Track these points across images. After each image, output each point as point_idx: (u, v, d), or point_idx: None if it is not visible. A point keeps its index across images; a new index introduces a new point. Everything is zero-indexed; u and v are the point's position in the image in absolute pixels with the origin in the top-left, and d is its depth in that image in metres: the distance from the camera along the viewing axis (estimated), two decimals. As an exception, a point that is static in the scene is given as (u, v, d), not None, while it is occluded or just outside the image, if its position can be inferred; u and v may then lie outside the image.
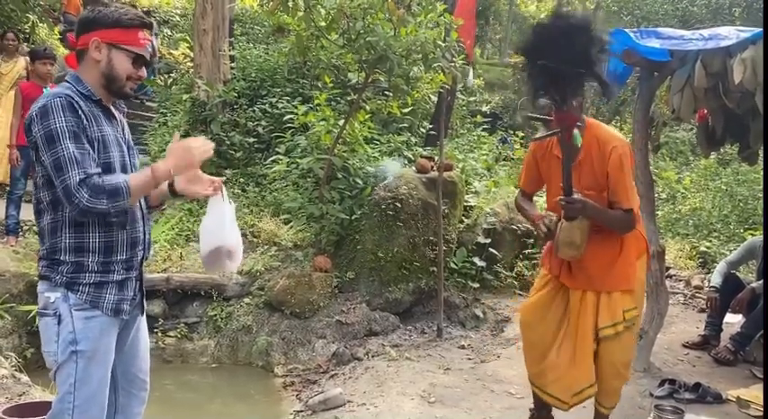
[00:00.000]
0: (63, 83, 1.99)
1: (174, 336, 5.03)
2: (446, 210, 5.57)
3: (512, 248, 6.33)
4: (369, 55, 5.31)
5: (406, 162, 6.39)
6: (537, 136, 2.90)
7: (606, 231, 2.74)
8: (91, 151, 1.89)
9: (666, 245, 6.18)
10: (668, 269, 6.77)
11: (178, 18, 13.01)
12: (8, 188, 5.61)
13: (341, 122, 5.97)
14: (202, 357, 5.03)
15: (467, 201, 6.33)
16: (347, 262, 5.58)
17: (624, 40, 3.98)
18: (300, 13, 5.27)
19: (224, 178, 2.21)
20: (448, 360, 4.59)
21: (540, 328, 2.91)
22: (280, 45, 8.68)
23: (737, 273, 4.95)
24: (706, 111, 4.60)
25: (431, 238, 5.51)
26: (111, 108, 2.07)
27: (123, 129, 2.12)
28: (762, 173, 7.31)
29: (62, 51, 8.34)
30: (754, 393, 3.73)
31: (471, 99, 12.09)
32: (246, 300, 5.22)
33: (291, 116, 6.56)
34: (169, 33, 12.19)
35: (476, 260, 5.87)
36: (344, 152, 6.06)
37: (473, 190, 6.73)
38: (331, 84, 6.84)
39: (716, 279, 4.77)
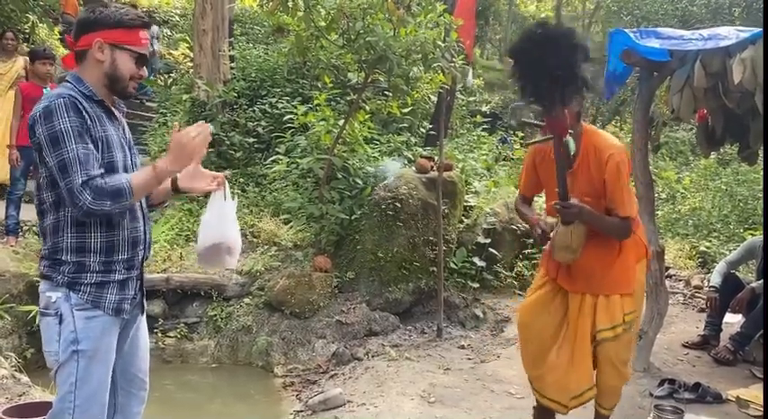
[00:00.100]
0: (64, 83, 1.99)
1: (173, 336, 5.03)
2: (446, 210, 5.58)
3: (512, 248, 6.34)
4: (368, 55, 5.31)
5: (406, 162, 6.39)
6: (530, 141, 2.91)
7: (604, 235, 2.74)
8: (95, 152, 1.90)
9: (666, 245, 6.19)
10: (668, 269, 6.78)
11: (178, 18, 13.02)
12: (8, 188, 5.61)
13: (341, 122, 5.97)
14: (202, 357, 5.03)
15: (467, 201, 6.33)
16: (347, 262, 5.58)
17: (624, 40, 3.98)
18: (300, 14, 5.28)
19: (227, 173, 2.21)
20: (448, 360, 4.59)
21: (537, 326, 2.90)
22: (279, 45, 8.68)
23: (737, 273, 4.96)
24: (706, 111, 4.60)
25: (431, 238, 5.51)
26: (112, 108, 2.07)
27: (124, 130, 2.13)
28: (761, 173, 7.31)
29: (62, 51, 8.33)
30: (753, 393, 3.73)
31: (471, 99, 12.10)
32: (246, 300, 5.22)
33: (291, 116, 6.56)
34: (169, 33, 12.19)
35: (476, 260, 5.87)
36: (344, 152, 6.06)
37: (473, 190, 6.73)
38: (331, 85, 6.85)
39: (715, 279, 4.77)
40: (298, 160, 6.18)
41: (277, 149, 6.59)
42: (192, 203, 6.07)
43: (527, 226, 3.02)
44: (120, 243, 2.00)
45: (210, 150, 6.39)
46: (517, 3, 20.35)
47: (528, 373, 2.99)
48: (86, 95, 1.96)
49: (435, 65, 5.52)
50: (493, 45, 21.26)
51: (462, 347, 4.93)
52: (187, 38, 10.55)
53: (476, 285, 5.83)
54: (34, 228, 5.60)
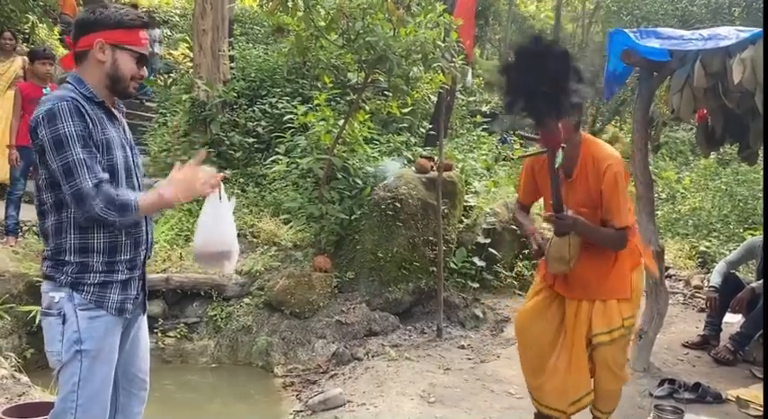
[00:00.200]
0: (65, 84, 2.00)
1: (173, 336, 5.03)
2: (446, 210, 5.58)
3: (511, 248, 6.34)
4: (368, 55, 5.31)
5: (406, 162, 6.39)
6: (524, 154, 2.92)
7: (599, 246, 2.74)
8: (98, 155, 1.91)
9: (666, 245, 6.19)
10: (668, 269, 6.78)
11: (177, 18, 13.02)
12: (8, 188, 5.61)
13: (340, 122, 5.97)
14: (202, 357, 5.03)
15: (466, 201, 6.33)
16: (347, 262, 5.58)
17: (624, 39, 3.98)
18: (300, 14, 5.28)
19: (223, 175, 2.21)
20: (448, 360, 4.59)
21: (534, 332, 2.91)
22: (279, 45, 8.69)
23: (737, 273, 4.96)
24: (705, 111, 4.60)
25: (430, 238, 5.51)
26: (113, 109, 2.08)
27: (124, 130, 2.14)
28: (761, 172, 7.31)
29: (61, 51, 8.34)
30: (753, 393, 3.74)
31: (471, 99, 12.10)
32: (246, 300, 5.22)
33: (291, 116, 6.56)
34: (169, 33, 12.19)
35: (475, 260, 5.87)
36: (344, 152, 6.06)
37: (473, 190, 6.73)
38: (330, 85, 6.85)
39: (715, 278, 4.77)
40: (297, 160, 6.17)
41: (277, 149, 6.59)
42: (191, 203, 6.06)
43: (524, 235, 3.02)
44: (122, 243, 2.02)
45: (210, 150, 6.39)
46: (517, 3, 20.34)
47: (527, 383, 3.00)
48: (87, 97, 1.97)
49: (435, 65, 5.52)
50: (493, 45, 21.26)
51: (462, 347, 4.93)
52: (187, 38, 10.55)
53: (476, 285, 5.83)
54: (34, 228, 5.60)
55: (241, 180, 6.64)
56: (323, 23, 5.37)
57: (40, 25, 9.51)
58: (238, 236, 2.33)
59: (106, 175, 1.90)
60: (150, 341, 2.31)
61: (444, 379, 4.13)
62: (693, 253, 7.54)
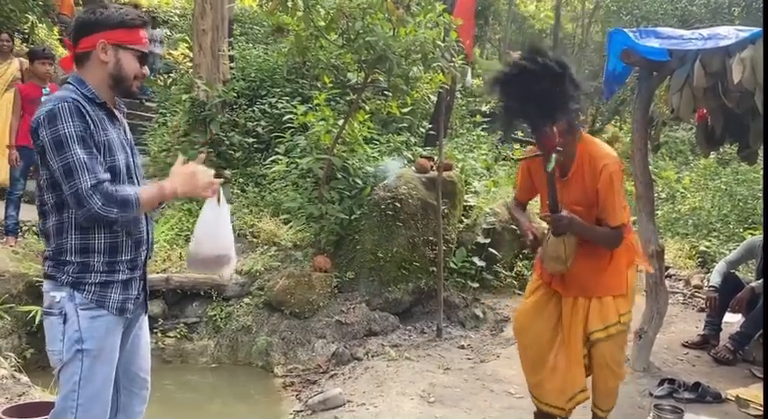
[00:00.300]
0: (66, 85, 2.00)
1: (173, 336, 5.03)
2: (446, 210, 5.58)
3: (511, 248, 6.34)
4: (368, 55, 5.31)
5: (406, 162, 6.39)
6: (521, 156, 2.95)
7: (595, 244, 2.77)
8: (98, 156, 1.92)
9: (666, 245, 6.19)
10: (668, 268, 6.78)
11: (177, 18, 13.01)
12: (8, 188, 5.61)
13: (340, 122, 5.97)
14: (202, 357, 5.03)
15: (466, 201, 6.33)
16: (347, 262, 5.58)
17: (623, 39, 3.98)
18: (300, 13, 5.28)
19: (221, 181, 2.21)
20: (447, 359, 4.59)
21: (534, 331, 2.93)
22: (279, 45, 8.68)
23: (737, 273, 4.96)
24: (705, 111, 4.60)
25: (430, 238, 5.51)
26: (114, 110, 2.09)
27: (125, 131, 2.14)
28: (761, 172, 7.31)
29: (61, 52, 8.34)
30: (753, 392, 3.74)
31: (471, 99, 12.10)
32: (246, 300, 5.22)
33: (291, 116, 6.56)
34: (168, 33, 12.18)
35: (475, 260, 5.87)
36: (344, 152, 6.06)
37: (472, 189, 6.73)
38: (330, 84, 6.84)
39: (715, 278, 4.78)
40: (297, 160, 6.17)
41: (276, 149, 6.59)
42: (191, 203, 6.06)
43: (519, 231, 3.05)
44: (123, 243, 2.02)
45: (210, 150, 6.39)
46: (517, 2, 20.32)
47: (528, 380, 3.02)
48: (89, 98, 1.97)
49: (435, 64, 5.51)
50: (492, 45, 21.26)
51: (462, 347, 4.93)
52: (187, 38, 10.54)
53: (475, 285, 5.83)
54: (34, 228, 5.60)
55: (241, 180, 6.64)
56: (323, 23, 5.37)
57: (40, 25, 9.51)
58: (238, 236, 2.34)
59: (106, 175, 1.90)
60: (150, 341, 2.31)
61: (444, 379, 4.13)
62: (693, 252, 7.54)
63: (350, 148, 6.18)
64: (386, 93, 6.92)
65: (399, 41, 5.14)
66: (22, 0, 8.92)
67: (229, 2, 8.01)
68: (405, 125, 7.65)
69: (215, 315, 5.16)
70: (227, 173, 6.65)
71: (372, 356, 4.71)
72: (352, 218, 5.62)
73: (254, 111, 7.32)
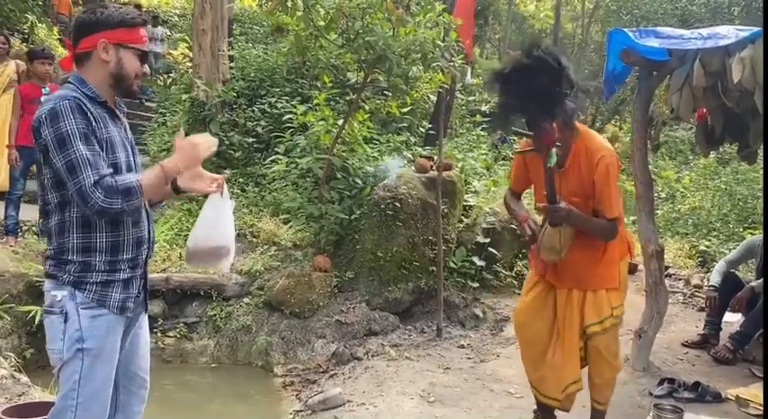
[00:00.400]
0: (67, 84, 2.01)
1: (173, 336, 5.03)
2: (445, 210, 5.57)
3: (511, 247, 6.33)
4: (368, 54, 5.31)
5: (406, 161, 6.39)
6: (518, 150, 2.98)
7: (590, 235, 2.81)
8: (101, 153, 1.92)
9: (666, 244, 6.19)
10: (667, 268, 6.77)
11: (177, 18, 13.02)
12: (7, 188, 5.60)
13: (340, 122, 5.97)
14: (202, 357, 5.03)
15: (466, 201, 6.33)
16: (347, 261, 5.58)
17: (623, 39, 3.98)
18: (299, 13, 5.28)
19: (226, 175, 2.21)
20: (447, 359, 4.59)
21: (535, 326, 2.97)
22: (279, 45, 8.68)
23: (737, 272, 4.96)
24: (705, 111, 4.60)
25: (430, 238, 5.51)
26: (115, 109, 2.09)
27: (126, 130, 2.15)
28: (761, 172, 7.31)
29: (61, 51, 8.34)
30: (753, 392, 3.73)
31: (470, 98, 12.10)
32: (246, 300, 5.22)
33: (290, 116, 6.56)
34: (168, 33, 12.19)
35: (475, 259, 5.87)
36: (344, 152, 6.06)
37: (472, 189, 6.73)
38: (330, 84, 6.84)
39: (715, 278, 4.78)
40: (297, 160, 6.17)
41: (276, 149, 6.59)
42: (191, 203, 6.06)
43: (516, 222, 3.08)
44: (125, 242, 2.02)
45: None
46: (516, 2, 20.33)
47: (530, 376, 3.05)
48: (90, 97, 1.98)
49: (434, 64, 5.52)
50: (492, 44, 21.27)
51: (462, 346, 4.93)
52: (186, 38, 10.55)
53: (475, 285, 5.82)
54: (34, 228, 5.60)
55: (241, 180, 6.64)
56: (322, 23, 5.37)
57: (40, 25, 9.51)
58: (238, 235, 2.34)
59: (108, 171, 1.90)
60: (150, 341, 2.31)
61: (444, 379, 4.13)
62: (693, 252, 7.54)
63: (350, 148, 6.18)
64: (385, 92, 6.92)
65: (399, 41, 5.13)
66: (22, 0, 8.92)
67: (229, 2, 8.01)
68: (404, 125, 7.65)
69: (215, 314, 5.16)
70: (227, 172, 6.65)
71: (372, 356, 4.71)
72: (352, 217, 5.62)
73: (253, 110, 7.32)
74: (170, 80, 10.18)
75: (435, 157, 5.76)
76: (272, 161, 6.45)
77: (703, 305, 5.36)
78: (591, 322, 2.82)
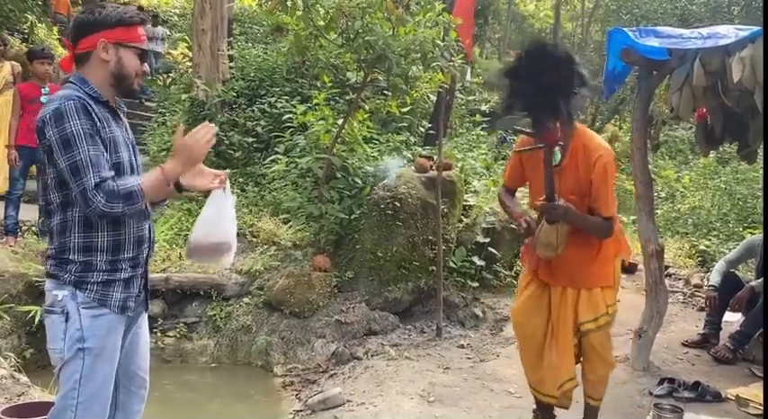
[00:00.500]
0: (69, 84, 2.01)
1: (173, 336, 5.03)
2: (445, 210, 5.57)
3: (511, 247, 6.32)
4: (367, 54, 5.31)
5: (405, 161, 6.39)
6: (519, 149, 2.99)
7: (586, 233, 2.83)
8: (105, 153, 1.93)
9: (666, 244, 6.18)
10: (667, 268, 6.77)
11: (177, 18, 13.02)
12: (7, 188, 5.60)
13: (340, 122, 5.97)
14: (202, 357, 5.03)
15: (466, 201, 6.32)
16: (346, 261, 5.57)
17: (623, 38, 3.98)
18: (299, 13, 5.27)
19: (227, 172, 2.22)
20: (447, 359, 4.59)
21: (533, 323, 2.99)
22: (278, 44, 8.68)
23: (736, 272, 4.96)
24: (705, 110, 4.60)
25: (430, 238, 5.50)
26: (116, 109, 2.10)
27: (127, 129, 2.16)
28: (761, 171, 7.31)
29: (60, 51, 8.34)
30: (753, 391, 3.73)
31: (470, 98, 12.10)
32: (246, 300, 5.22)
33: (290, 115, 6.56)
34: (168, 33, 12.19)
35: (475, 259, 5.86)
36: (343, 151, 6.06)
37: (472, 189, 6.72)
38: (330, 84, 6.84)
39: (715, 277, 4.78)
40: (297, 160, 6.17)
41: (276, 149, 6.59)
42: (191, 203, 6.06)
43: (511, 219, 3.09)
44: (126, 242, 2.03)
45: (210, 150, 6.38)
46: (516, 2, 20.34)
47: (529, 378, 3.08)
48: (93, 97, 1.98)
49: (434, 64, 5.51)
50: (492, 44, 21.27)
51: (462, 346, 4.92)
52: (186, 37, 10.55)
53: (475, 284, 5.82)
54: (33, 228, 5.60)
55: (240, 179, 6.63)
56: (322, 23, 5.37)
57: (39, 25, 9.51)
58: (238, 235, 2.33)
59: (110, 173, 1.91)
60: (150, 340, 2.31)
61: (444, 379, 4.13)
62: (693, 251, 7.54)
63: (349, 148, 6.18)
64: (385, 92, 6.91)
65: (399, 41, 5.13)
66: (22, 0, 8.92)
67: (229, 1, 8.01)
68: (404, 124, 7.65)
69: (215, 314, 5.16)
70: (227, 172, 6.64)
71: (372, 355, 4.71)
72: (352, 217, 5.62)
73: (253, 110, 7.32)
74: (170, 80, 10.18)
75: (435, 157, 5.75)
76: (272, 161, 6.45)
77: (703, 304, 5.36)
78: (586, 319, 2.84)
